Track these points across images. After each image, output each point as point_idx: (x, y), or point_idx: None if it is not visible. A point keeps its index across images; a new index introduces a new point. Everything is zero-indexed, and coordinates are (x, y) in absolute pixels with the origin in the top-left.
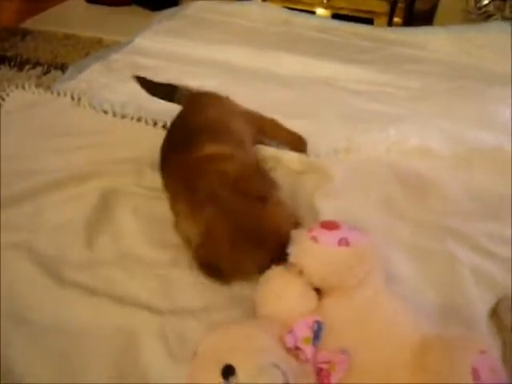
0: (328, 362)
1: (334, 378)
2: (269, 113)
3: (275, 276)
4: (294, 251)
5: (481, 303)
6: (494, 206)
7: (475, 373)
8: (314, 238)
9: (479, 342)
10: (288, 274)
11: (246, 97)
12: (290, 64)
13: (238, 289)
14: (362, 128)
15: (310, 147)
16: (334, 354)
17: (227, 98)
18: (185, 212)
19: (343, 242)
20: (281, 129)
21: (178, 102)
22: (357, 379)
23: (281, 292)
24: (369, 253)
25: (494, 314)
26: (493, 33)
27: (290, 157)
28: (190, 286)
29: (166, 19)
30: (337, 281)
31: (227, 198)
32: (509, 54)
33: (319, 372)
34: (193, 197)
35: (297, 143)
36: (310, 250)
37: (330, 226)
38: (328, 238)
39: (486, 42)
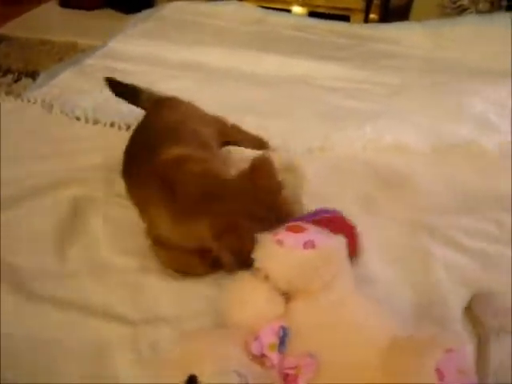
0: (295, 368)
1: (301, 381)
2: (244, 112)
3: (241, 282)
4: (259, 256)
5: (455, 299)
6: (470, 200)
7: (439, 373)
8: (279, 242)
9: (445, 341)
10: (254, 279)
11: (221, 97)
12: (266, 63)
13: (211, 294)
14: (338, 126)
15: (284, 146)
16: (301, 358)
17: (189, 103)
18: (173, 217)
19: (309, 244)
20: (243, 133)
21: (142, 106)
22: (324, 382)
23: (247, 298)
24: (335, 255)
25: (469, 309)
26: (467, 26)
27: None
28: (163, 294)
29: (141, 21)
30: (303, 284)
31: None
32: (483, 47)
33: (286, 378)
34: (180, 201)
35: (259, 146)
36: (274, 254)
37: (295, 228)
38: (293, 240)
39: (461, 35)
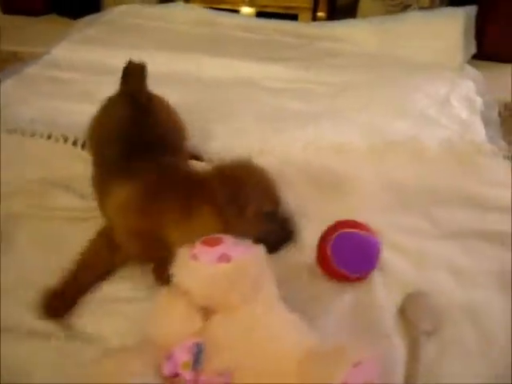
0: None
1: None
2: (187, 117)
3: (160, 298)
4: (176, 271)
5: (390, 301)
6: (406, 197)
7: None
8: (194, 256)
9: (354, 354)
10: (172, 295)
11: None
12: (212, 66)
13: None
14: (280, 128)
15: (225, 151)
16: (213, 377)
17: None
18: None
19: (224, 258)
20: None
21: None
22: None
23: (164, 315)
24: (253, 267)
25: (402, 311)
26: (410, 22)
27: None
28: (88, 311)
29: (86, 27)
30: (220, 298)
31: None
32: (427, 42)
33: None
34: None
35: None
36: (190, 269)
37: (210, 242)
38: (208, 255)
39: (404, 31)
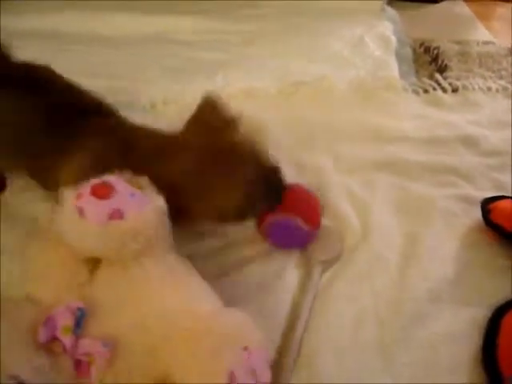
0: (87, 354)
1: (94, 370)
2: (94, 76)
3: (39, 251)
4: (58, 219)
5: None
6: (310, 135)
7: (232, 376)
8: (80, 211)
9: (246, 336)
10: (52, 246)
11: (72, 64)
12: (123, 23)
13: None
14: (187, 79)
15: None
16: (93, 345)
17: None
18: None
19: (116, 214)
20: None
21: None
22: (124, 364)
23: (43, 269)
24: (148, 224)
25: None
26: None
27: None
28: None
29: None
30: (109, 255)
31: None
32: None
33: (78, 364)
34: None
35: None
36: (74, 225)
37: (101, 192)
38: (96, 210)
39: None
